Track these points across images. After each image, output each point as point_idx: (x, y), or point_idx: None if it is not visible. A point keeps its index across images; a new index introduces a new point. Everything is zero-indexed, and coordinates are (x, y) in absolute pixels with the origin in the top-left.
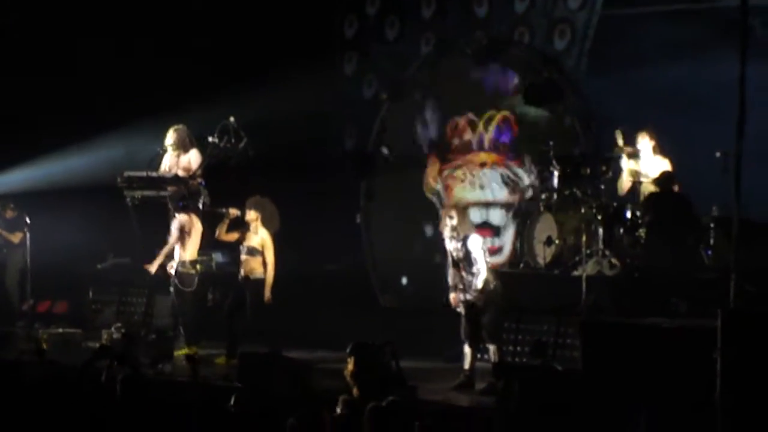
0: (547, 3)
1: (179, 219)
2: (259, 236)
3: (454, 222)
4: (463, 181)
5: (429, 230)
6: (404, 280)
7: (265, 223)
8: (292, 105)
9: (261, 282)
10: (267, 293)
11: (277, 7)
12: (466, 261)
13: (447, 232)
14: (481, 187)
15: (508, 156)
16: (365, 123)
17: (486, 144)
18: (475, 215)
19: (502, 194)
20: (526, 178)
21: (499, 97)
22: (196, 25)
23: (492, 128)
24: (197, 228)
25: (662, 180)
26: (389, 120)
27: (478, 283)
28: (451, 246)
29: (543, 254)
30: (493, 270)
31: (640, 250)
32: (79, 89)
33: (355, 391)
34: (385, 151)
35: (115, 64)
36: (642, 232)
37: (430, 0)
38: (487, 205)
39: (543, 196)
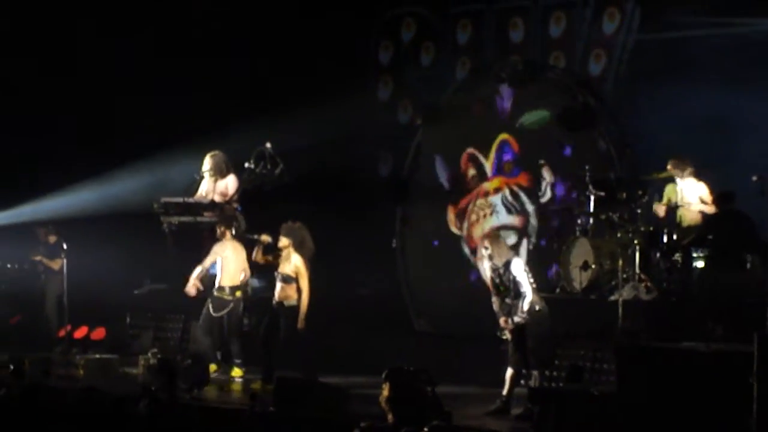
0: (582, 27)
1: (225, 244)
2: (292, 263)
3: (490, 251)
4: (477, 221)
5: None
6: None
7: (298, 250)
8: (327, 131)
9: (295, 309)
10: (300, 321)
11: (312, 33)
12: (511, 286)
13: (485, 263)
14: (491, 213)
15: (513, 172)
16: (400, 148)
17: (489, 172)
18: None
19: (508, 218)
20: (529, 203)
21: (500, 120)
22: (232, 51)
23: (492, 154)
24: (236, 254)
25: (720, 200)
26: (425, 145)
27: (525, 305)
28: (493, 274)
29: (579, 279)
30: (539, 294)
31: (676, 275)
32: (117, 115)
33: (390, 416)
34: None
35: (152, 91)
36: (678, 256)
37: (465, 25)
38: (500, 229)
39: (579, 221)
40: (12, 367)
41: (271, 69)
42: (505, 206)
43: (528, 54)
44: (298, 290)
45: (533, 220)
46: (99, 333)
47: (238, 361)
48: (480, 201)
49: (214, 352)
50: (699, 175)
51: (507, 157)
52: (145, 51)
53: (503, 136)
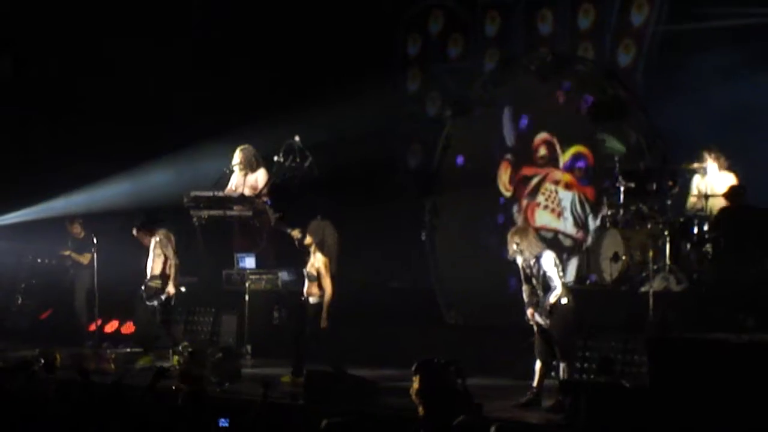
0: (611, 19)
1: None
2: (315, 261)
3: (521, 247)
4: (545, 207)
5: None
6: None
7: (321, 248)
8: (355, 123)
9: (318, 306)
10: (323, 320)
11: (340, 26)
12: (540, 278)
13: (516, 257)
14: (560, 215)
15: (581, 181)
16: (429, 140)
17: (561, 165)
18: (548, 234)
19: (572, 228)
20: (592, 222)
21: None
22: (260, 45)
23: (567, 155)
24: None
25: (731, 194)
26: (454, 137)
27: (551, 299)
28: (524, 267)
29: (609, 270)
30: (568, 287)
31: (707, 265)
32: (145, 110)
33: (420, 409)
34: None
35: (180, 85)
36: (709, 247)
37: (494, 17)
38: (558, 233)
39: (609, 212)
40: (43, 361)
41: (299, 62)
42: (574, 216)
43: (557, 46)
44: (321, 288)
45: (589, 239)
46: (129, 327)
47: None
48: (550, 186)
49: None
50: (730, 167)
51: (580, 164)
52: (176, 46)
53: (581, 148)
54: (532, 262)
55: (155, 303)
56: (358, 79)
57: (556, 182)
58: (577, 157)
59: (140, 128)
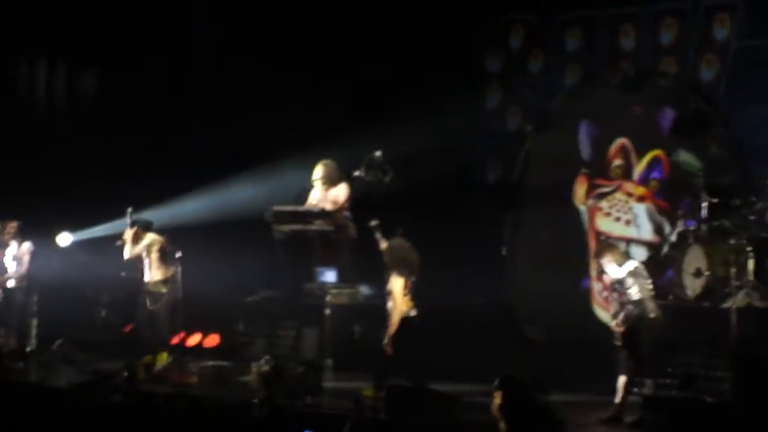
0: (694, 33)
1: None
2: (391, 279)
3: (607, 259)
4: (608, 214)
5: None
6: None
7: (398, 268)
8: (436, 138)
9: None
10: (386, 337)
11: (421, 42)
12: (625, 291)
13: (603, 270)
14: (628, 222)
15: (656, 195)
16: (509, 155)
17: (635, 176)
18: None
19: (648, 233)
20: (668, 227)
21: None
22: (342, 61)
23: (644, 164)
24: None
25: None
26: (535, 151)
27: (636, 312)
28: (610, 276)
29: (692, 286)
30: (654, 301)
31: None
32: (229, 125)
33: (502, 425)
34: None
35: (263, 100)
36: None
37: (574, 32)
38: (631, 241)
39: (692, 228)
40: (126, 374)
41: (380, 77)
42: (653, 221)
43: (639, 61)
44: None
45: (666, 248)
46: (212, 340)
47: None
48: (620, 197)
49: None
50: None
51: (655, 175)
52: (255, 61)
53: (657, 152)
54: (617, 274)
55: (159, 307)
56: (438, 94)
57: (629, 194)
58: (653, 163)
59: (223, 143)
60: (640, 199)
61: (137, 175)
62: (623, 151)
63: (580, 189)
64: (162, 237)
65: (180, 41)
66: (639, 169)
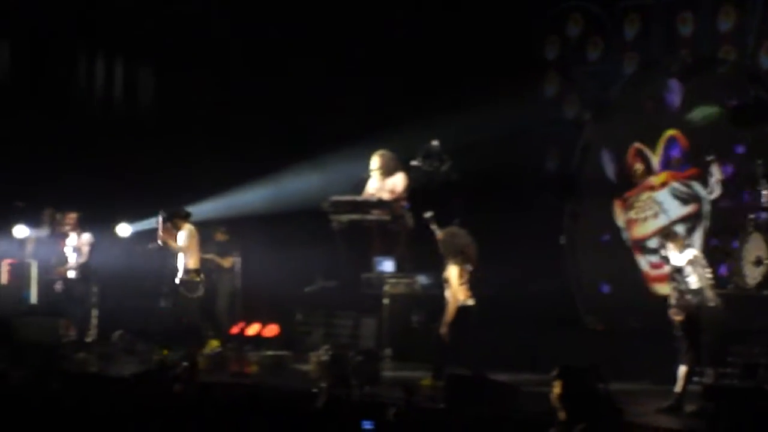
0: (753, 20)
1: None
2: (448, 268)
3: (668, 247)
4: (637, 220)
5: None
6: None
7: (454, 257)
8: (493, 127)
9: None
10: (442, 326)
11: (477, 29)
12: (680, 278)
13: (664, 258)
14: (656, 215)
15: (681, 168)
16: (567, 144)
17: (656, 166)
18: (653, 243)
19: (677, 210)
20: (701, 189)
21: (670, 114)
22: (398, 49)
23: (660, 148)
24: None
25: None
26: (593, 140)
27: (696, 301)
28: (670, 265)
29: (752, 275)
30: (715, 290)
31: None
32: (286, 115)
33: (561, 414)
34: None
35: (321, 91)
36: None
37: (633, 20)
38: (672, 225)
39: (752, 216)
40: (186, 364)
41: (437, 66)
42: (677, 197)
43: (697, 48)
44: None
45: (706, 205)
46: (272, 330)
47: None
48: (644, 196)
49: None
50: None
51: (674, 153)
52: (312, 52)
53: (671, 132)
54: (677, 263)
55: (198, 295)
56: (495, 82)
57: (651, 188)
58: (669, 144)
59: (281, 133)
60: (663, 185)
61: (196, 167)
62: (638, 154)
63: (617, 208)
64: (196, 227)
65: (237, 35)
66: (657, 157)
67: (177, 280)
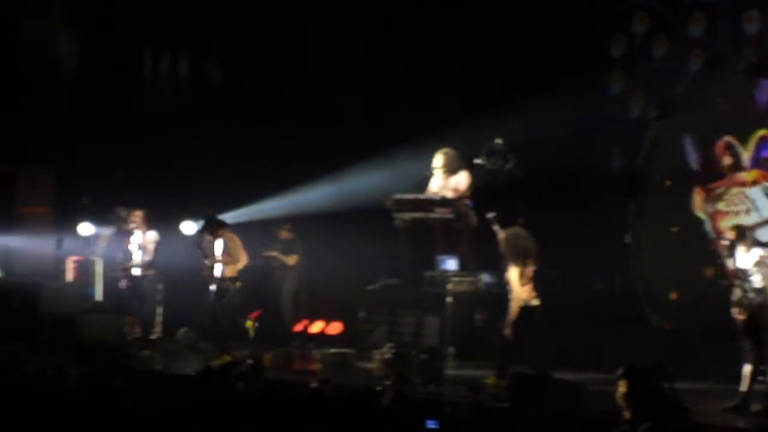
0: None
1: None
2: (509, 268)
3: (733, 245)
4: (727, 213)
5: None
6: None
7: (508, 257)
8: (558, 125)
9: (516, 310)
10: (506, 326)
11: (542, 28)
12: (745, 277)
13: (724, 252)
14: (747, 211)
15: None
16: (632, 143)
17: (746, 163)
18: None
19: None
20: None
21: (759, 113)
22: (460, 48)
23: (751, 147)
24: None
25: None
26: (660, 139)
27: (757, 299)
28: (735, 263)
29: None
30: None
31: None
32: (348, 113)
33: (627, 414)
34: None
35: (383, 90)
36: None
37: (699, 18)
38: (755, 227)
39: None
40: (251, 361)
41: (500, 64)
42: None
43: (763, 47)
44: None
45: None
46: (335, 327)
47: None
48: (735, 190)
49: None
50: None
51: (766, 153)
52: (374, 50)
53: (762, 131)
54: (743, 263)
55: (223, 302)
56: (559, 80)
57: (742, 184)
58: (760, 144)
59: (344, 131)
60: (754, 182)
61: (260, 165)
62: (728, 148)
63: (697, 198)
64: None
65: (300, 32)
66: (748, 155)
67: (212, 287)
